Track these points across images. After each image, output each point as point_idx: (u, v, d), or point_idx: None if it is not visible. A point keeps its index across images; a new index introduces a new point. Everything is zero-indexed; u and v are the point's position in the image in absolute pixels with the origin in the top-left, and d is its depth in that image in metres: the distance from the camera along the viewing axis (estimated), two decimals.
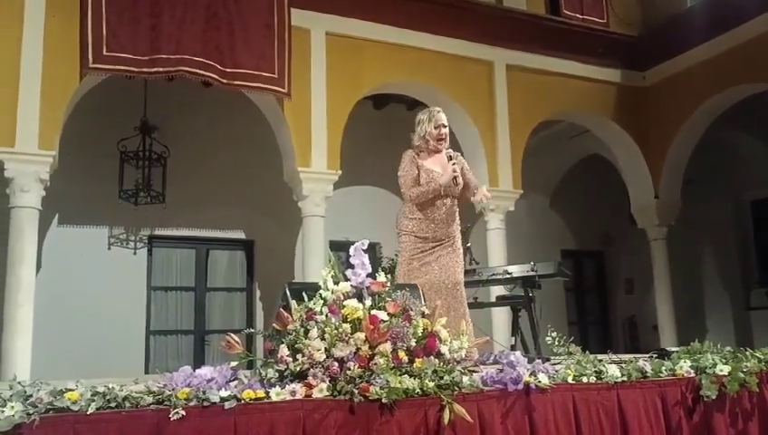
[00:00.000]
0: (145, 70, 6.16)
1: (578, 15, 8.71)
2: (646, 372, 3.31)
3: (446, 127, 4.35)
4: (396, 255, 4.58)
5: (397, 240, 4.34)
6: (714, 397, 3.30)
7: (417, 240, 4.22)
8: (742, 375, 3.39)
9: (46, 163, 6.00)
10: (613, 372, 3.19)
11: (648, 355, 4.05)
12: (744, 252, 10.42)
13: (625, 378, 3.20)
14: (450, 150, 4.34)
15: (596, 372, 3.18)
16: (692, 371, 3.39)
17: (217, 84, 6.48)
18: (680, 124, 8.80)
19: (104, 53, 6.05)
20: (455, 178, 4.17)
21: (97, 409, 2.34)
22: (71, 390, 2.38)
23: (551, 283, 6.75)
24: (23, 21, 6.06)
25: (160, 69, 6.19)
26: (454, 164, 4.21)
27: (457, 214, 4.36)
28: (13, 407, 2.22)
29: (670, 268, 9.11)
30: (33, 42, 6.06)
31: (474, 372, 3.04)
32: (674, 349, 4.01)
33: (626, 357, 3.76)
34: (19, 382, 2.42)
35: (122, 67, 6.10)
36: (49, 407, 2.30)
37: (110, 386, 2.43)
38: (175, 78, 6.37)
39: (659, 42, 8.85)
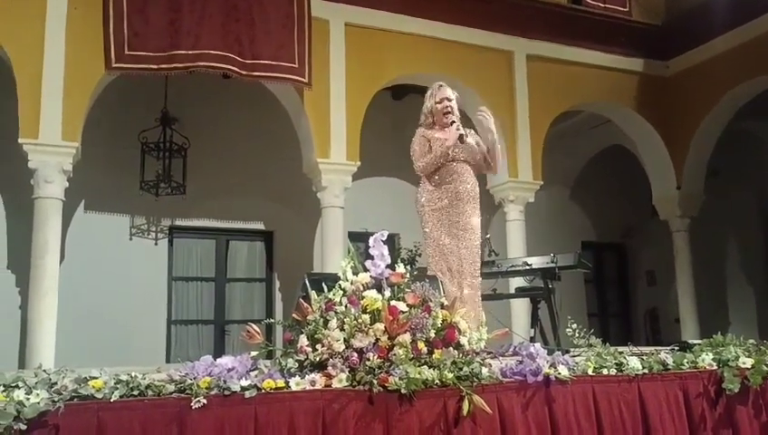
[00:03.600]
0: (164, 66, 6.23)
1: (599, 4, 8.60)
2: (667, 364, 3.28)
3: (450, 100, 4.29)
4: (415, 245, 4.53)
5: (420, 223, 4.31)
6: (736, 390, 3.27)
7: (439, 216, 4.19)
8: (765, 368, 3.36)
9: (69, 154, 6.07)
10: (634, 364, 3.17)
11: (669, 348, 4.01)
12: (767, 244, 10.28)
13: (646, 370, 3.18)
14: (460, 126, 4.26)
15: (617, 364, 3.16)
16: (714, 363, 3.36)
17: (237, 76, 6.51)
18: (704, 114, 8.67)
19: (126, 52, 6.14)
20: (460, 136, 4.13)
21: (120, 396, 2.37)
22: (95, 378, 2.41)
23: (571, 274, 6.70)
24: (45, 14, 6.12)
25: (179, 65, 6.26)
26: (458, 128, 4.18)
27: (475, 191, 4.29)
28: (38, 394, 2.26)
29: (693, 260, 9.00)
30: (56, 34, 6.12)
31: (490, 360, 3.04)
32: (696, 341, 3.98)
33: (647, 350, 3.73)
34: (44, 370, 2.46)
35: (143, 65, 6.18)
36: (73, 394, 2.34)
37: (133, 374, 2.47)
38: (194, 71, 6.42)
39: (683, 31, 8.71)
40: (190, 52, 6.25)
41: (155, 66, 6.20)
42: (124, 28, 6.14)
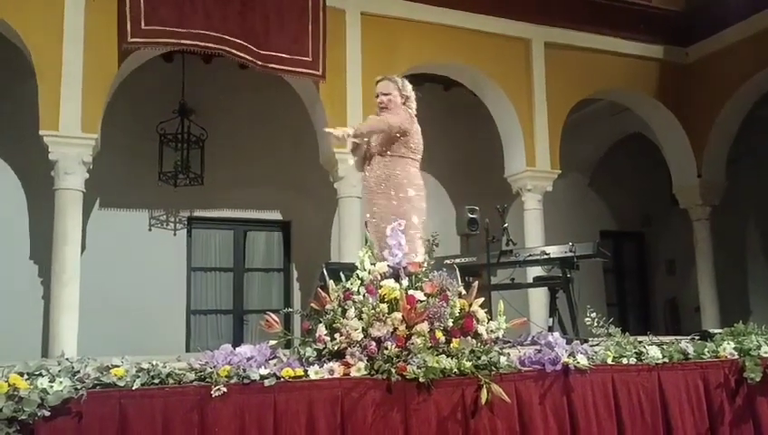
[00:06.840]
0: (184, 42, 6.17)
1: None
2: (688, 353, 3.26)
3: (386, 95, 4.09)
4: (432, 235, 4.36)
5: None
6: (758, 380, 3.24)
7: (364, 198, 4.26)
8: None
9: (89, 146, 6.13)
10: (654, 353, 3.15)
11: (689, 337, 3.98)
12: None
13: (666, 359, 3.16)
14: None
15: (636, 353, 3.14)
16: (735, 353, 3.33)
17: (253, 67, 6.51)
18: (724, 101, 8.55)
19: (142, 26, 6.09)
20: (352, 148, 4.03)
21: (142, 385, 2.40)
22: (116, 366, 2.44)
23: (589, 264, 6.67)
24: (64, 5, 6.16)
25: (200, 43, 6.19)
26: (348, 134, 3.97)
27: (382, 179, 4.08)
28: (61, 382, 2.30)
29: (713, 249, 8.91)
30: (74, 27, 6.16)
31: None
32: (717, 331, 3.94)
33: (667, 339, 3.70)
34: (67, 359, 2.49)
35: (161, 40, 6.13)
36: (96, 382, 2.38)
37: (154, 363, 2.50)
38: (212, 58, 6.40)
39: (703, 17, 8.58)
40: (211, 33, 6.20)
41: (174, 40, 6.13)
42: (141, 3, 6.07)
